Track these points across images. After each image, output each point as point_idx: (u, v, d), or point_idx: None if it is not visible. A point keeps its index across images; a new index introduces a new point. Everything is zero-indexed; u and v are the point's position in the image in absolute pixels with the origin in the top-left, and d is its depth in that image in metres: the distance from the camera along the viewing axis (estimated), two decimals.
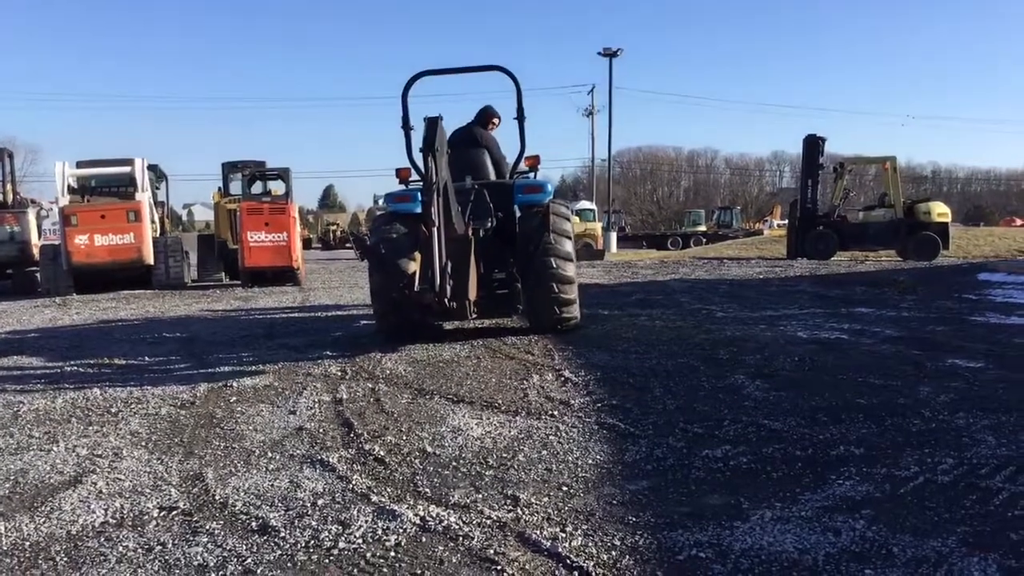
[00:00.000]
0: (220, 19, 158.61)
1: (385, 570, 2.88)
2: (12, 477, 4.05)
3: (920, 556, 2.85)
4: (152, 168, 18.31)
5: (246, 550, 3.06)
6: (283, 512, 3.43)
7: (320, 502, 3.53)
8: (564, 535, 3.11)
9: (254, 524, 3.31)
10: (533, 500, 3.48)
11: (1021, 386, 5.26)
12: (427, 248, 6.31)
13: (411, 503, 3.48)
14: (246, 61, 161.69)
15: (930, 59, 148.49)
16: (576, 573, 2.81)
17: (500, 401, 5.21)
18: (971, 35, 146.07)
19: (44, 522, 3.44)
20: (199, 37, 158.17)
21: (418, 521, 3.28)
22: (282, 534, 3.19)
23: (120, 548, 3.13)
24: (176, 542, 3.17)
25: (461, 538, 3.11)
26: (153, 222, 16.93)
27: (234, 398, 5.56)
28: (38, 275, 16.25)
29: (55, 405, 5.55)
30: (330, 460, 4.10)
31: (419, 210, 7.18)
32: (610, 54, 49.73)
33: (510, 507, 3.41)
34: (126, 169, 16.74)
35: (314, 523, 3.30)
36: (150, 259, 15.94)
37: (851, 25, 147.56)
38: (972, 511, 3.21)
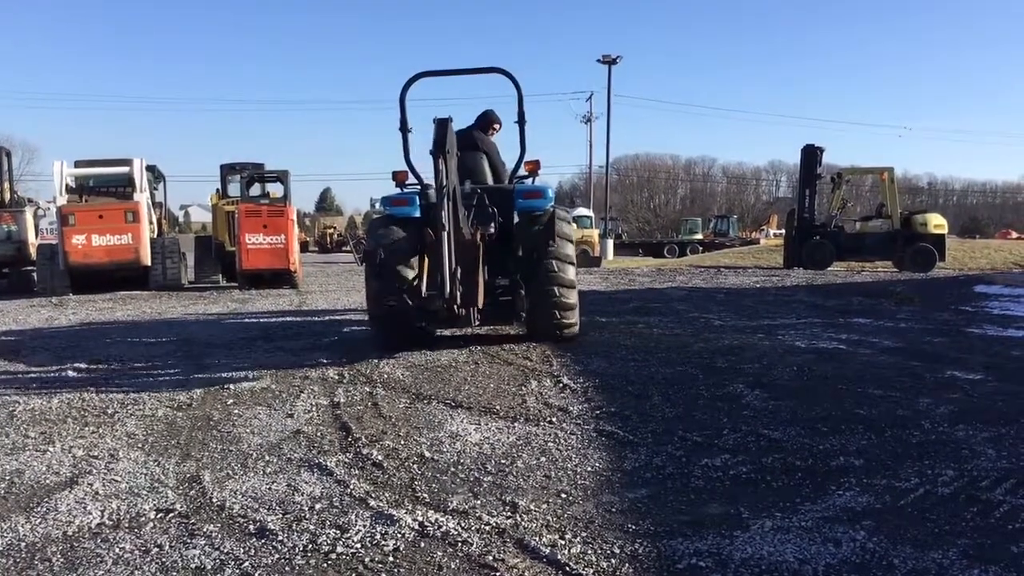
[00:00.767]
0: (220, 20, 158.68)
1: (383, 575, 2.86)
2: (8, 478, 4.03)
3: (921, 568, 2.84)
4: (150, 169, 18.27)
5: (243, 553, 3.05)
6: (281, 516, 3.41)
7: (318, 506, 3.52)
8: (563, 542, 3.10)
9: (251, 527, 3.30)
10: (532, 507, 3.47)
11: (1020, 398, 5.26)
12: (435, 253, 6.14)
13: (409, 508, 3.46)
14: (246, 63, 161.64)
15: (928, 71, 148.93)
16: None
17: (498, 407, 5.19)
18: (970, 48, 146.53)
19: (40, 523, 3.42)
20: (200, 38, 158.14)
21: (416, 526, 3.26)
22: (280, 538, 3.18)
23: (116, 550, 3.12)
24: (173, 544, 3.15)
25: (460, 544, 3.09)
26: (151, 223, 16.89)
27: (231, 401, 5.53)
28: (35, 274, 16.20)
29: (51, 405, 5.52)
30: (328, 464, 4.09)
31: (417, 214, 7.18)
32: (609, 61, 49.75)
33: (509, 513, 3.40)
34: (124, 169, 16.70)
35: (312, 527, 3.28)
36: (147, 260, 15.90)
37: (849, 36, 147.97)
38: (973, 523, 3.21)
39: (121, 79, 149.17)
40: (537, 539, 3.12)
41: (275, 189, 18.89)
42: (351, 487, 3.75)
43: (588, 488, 3.72)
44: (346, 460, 4.17)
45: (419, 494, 3.65)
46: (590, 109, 55.70)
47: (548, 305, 7.17)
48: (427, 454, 4.25)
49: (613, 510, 3.44)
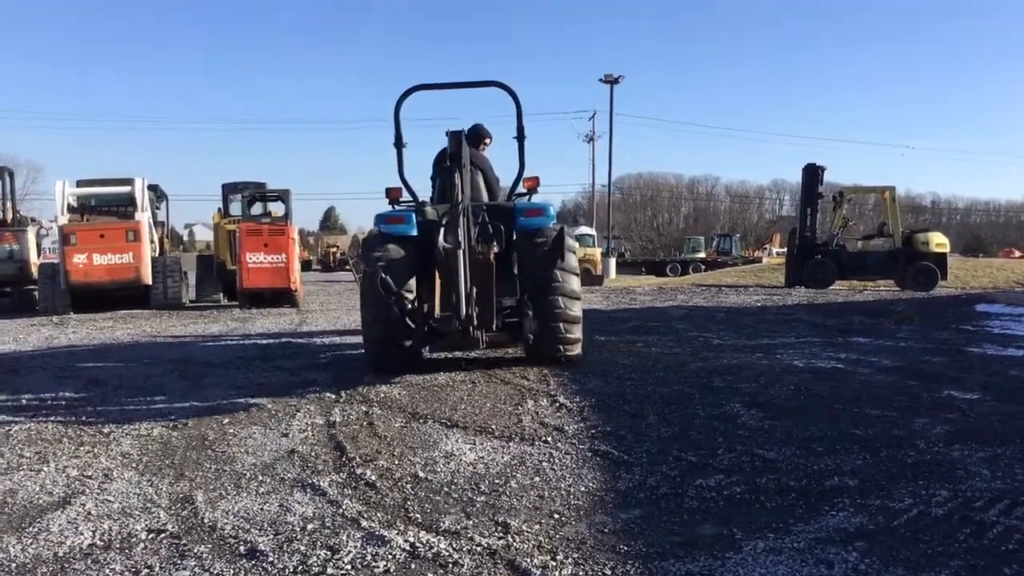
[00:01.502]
0: (223, 39, 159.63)
1: None
2: (1, 498, 4.02)
3: None
4: (152, 188, 18.34)
5: (233, 574, 3.04)
6: (272, 536, 3.40)
7: (310, 527, 3.51)
8: (555, 563, 3.08)
9: (242, 548, 3.29)
10: (524, 527, 3.46)
11: (1017, 418, 5.24)
12: (450, 271, 5.94)
13: (401, 529, 3.45)
14: (250, 81, 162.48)
15: (931, 90, 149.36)
16: None
17: (494, 426, 5.19)
18: (973, 67, 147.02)
19: (31, 543, 3.41)
20: (204, 56, 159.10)
21: (408, 547, 3.25)
22: (270, 559, 3.17)
23: (107, 571, 3.11)
24: (163, 565, 3.14)
25: (451, 565, 3.08)
26: (152, 242, 16.93)
27: (227, 420, 5.53)
28: (36, 293, 16.22)
29: (47, 425, 5.52)
30: (321, 484, 4.08)
31: (414, 232, 6.99)
32: (611, 81, 50.02)
33: (501, 534, 3.39)
34: (126, 189, 16.76)
35: (303, 548, 3.27)
36: (148, 279, 15.93)
37: (852, 56, 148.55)
38: (966, 544, 3.19)
39: (125, 98, 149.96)
40: (528, 560, 3.11)
41: (277, 208, 18.94)
42: (343, 507, 3.74)
43: (581, 508, 3.71)
44: (339, 480, 4.16)
45: (411, 514, 3.64)
46: (592, 128, 56.00)
47: (552, 328, 6.93)
48: (421, 474, 4.24)
49: (606, 531, 3.42)
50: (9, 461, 4.66)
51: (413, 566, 3.09)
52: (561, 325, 6.93)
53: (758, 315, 13.47)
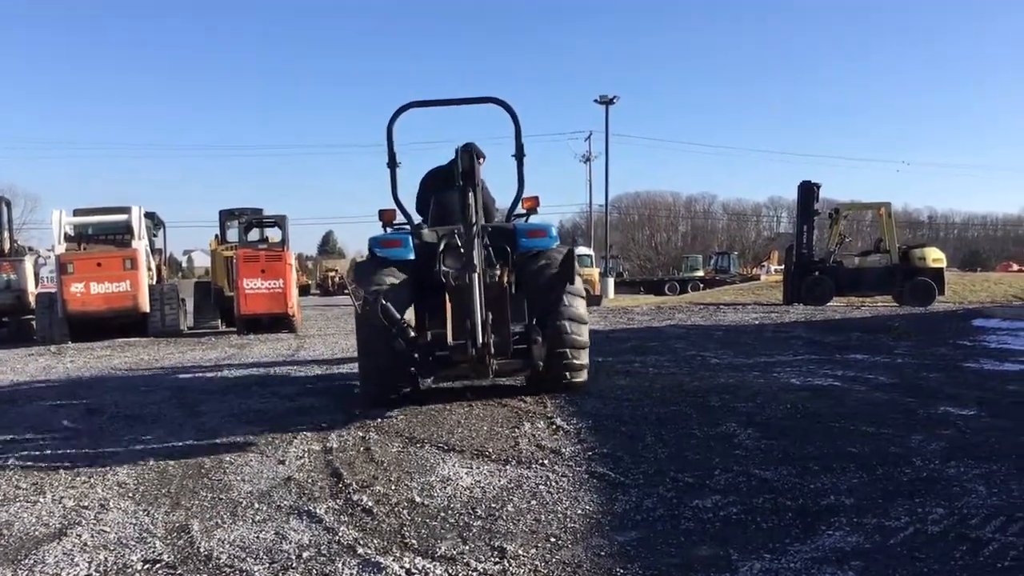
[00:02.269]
0: (219, 66, 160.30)
1: None
2: None
3: None
4: (149, 216, 18.39)
5: None
6: (267, 565, 3.40)
7: (305, 554, 3.50)
8: None
9: None
10: (520, 552, 3.45)
11: (1013, 434, 5.24)
12: (463, 297, 5.64)
13: (397, 555, 3.45)
14: (246, 108, 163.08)
15: (926, 105, 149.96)
16: None
17: (491, 450, 5.18)
18: (968, 81, 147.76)
19: (27, 575, 3.40)
20: (199, 85, 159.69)
21: (403, 574, 3.25)
22: None
23: None
24: None
25: None
26: (150, 269, 16.95)
27: (223, 448, 5.53)
28: (34, 323, 16.23)
29: (43, 455, 5.52)
30: (317, 511, 4.08)
31: (412, 256, 6.72)
32: (606, 101, 50.28)
33: (497, 559, 3.38)
34: (123, 217, 16.81)
35: None
36: (146, 307, 15.94)
37: (847, 72, 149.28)
38: (962, 562, 3.19)
39: (121, 126, 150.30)
40: None
41: (274, 234, 18.98)
42: (339, 534, 3.73)
43: (578, 531, 3.70)
44: (336, 507, 4.16)
45: (408, 540, 3.63)
46: (589, 148, 56.23)
47: (559, 355, 6.59)
48: (417, 499, 4.24)
49: (602, 554, 3.42)
50: (5, 492, 4.66)
51: None
52: (568, 351, 6.63)
53: (756, 333, 13.47)
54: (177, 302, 16.64)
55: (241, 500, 4.33)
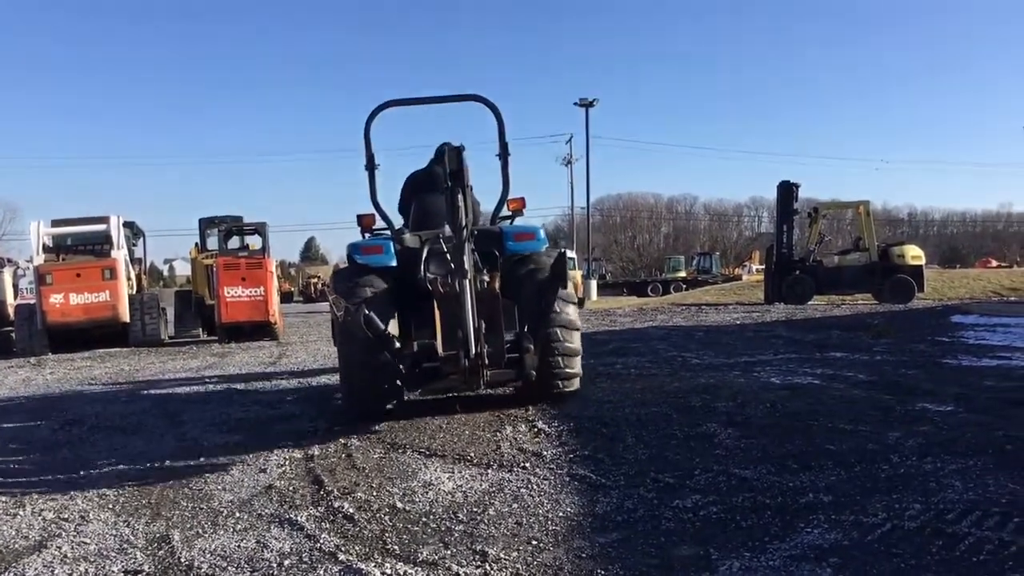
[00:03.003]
0: (197, 72, 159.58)
1: None
2: None
3: None
4: (128, 225, 18.30)
5: None
6: (248, 573, 3.40)
7: (287, 562, 3.50)
8: None
9: None
10: (502, 555, 3.46)
11: (990, 429, 5.29)
12: (454, 305, 5.31)
13: (379, 561, 3.45)
14: (225, 115, 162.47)
15: (903, 103, 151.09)
16: None
17: (472, 454, 5.19)
18: (945, 79, 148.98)
19: None
20: (178, 92, 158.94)
21: None
22: None
23: None
24: None
25: None
26: (129, 279, 16.88)
27: (204, 457, 5.51)
28: (13, 335, 16.11)
29: (23, 467, 5.49)
30: (298, 519, 4.07)
31: (394, 262, 6.38)
32: (586, 104, 50.34)
33: (478, 563, 3.39)
34: (101, 227, 16.72)
35: None
36: (126, 316, 15.86)
37: (825, 71, 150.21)
38: (938, 557, 3.22)
39: (100, 136, 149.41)
40: None
41: (254, 241, 18.93)
42: (321, 541, 3.73)
43: (559, 534, 3.72)
44: (317, 514, 4.16)
45: (389, 546, 3.64)
46: (570, 151, 56.20)
47: (550, 363, 6.28)
48: (399, 504, 4.24)
49: (583, 556, 3.44)
50: None
51: None
52: (561, 359, 6.34)
53: (737, 333, 13.54)
54: (158, 311, 16.57)
55: (222, 509, 4.32)
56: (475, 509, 4.12)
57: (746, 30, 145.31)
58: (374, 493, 4.46)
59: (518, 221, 7.27)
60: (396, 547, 3.62)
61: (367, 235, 7.10)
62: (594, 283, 41.46)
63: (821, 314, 17.71)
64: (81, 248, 17.78)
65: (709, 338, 12.64)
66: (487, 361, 5.32)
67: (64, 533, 4.07)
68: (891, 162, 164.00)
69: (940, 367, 8.47)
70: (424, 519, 4.00)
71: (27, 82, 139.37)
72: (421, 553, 3.53)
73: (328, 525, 3.97)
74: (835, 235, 50.80)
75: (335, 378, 9.02)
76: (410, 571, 3.32)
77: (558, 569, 3.30)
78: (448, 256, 5.74)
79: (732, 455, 4.89)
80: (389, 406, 6.19)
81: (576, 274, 32.40)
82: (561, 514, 3.99)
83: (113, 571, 3.52)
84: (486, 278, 5.72)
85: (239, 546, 3.74)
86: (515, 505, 4.15)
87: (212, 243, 19.26)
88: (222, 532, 3.95)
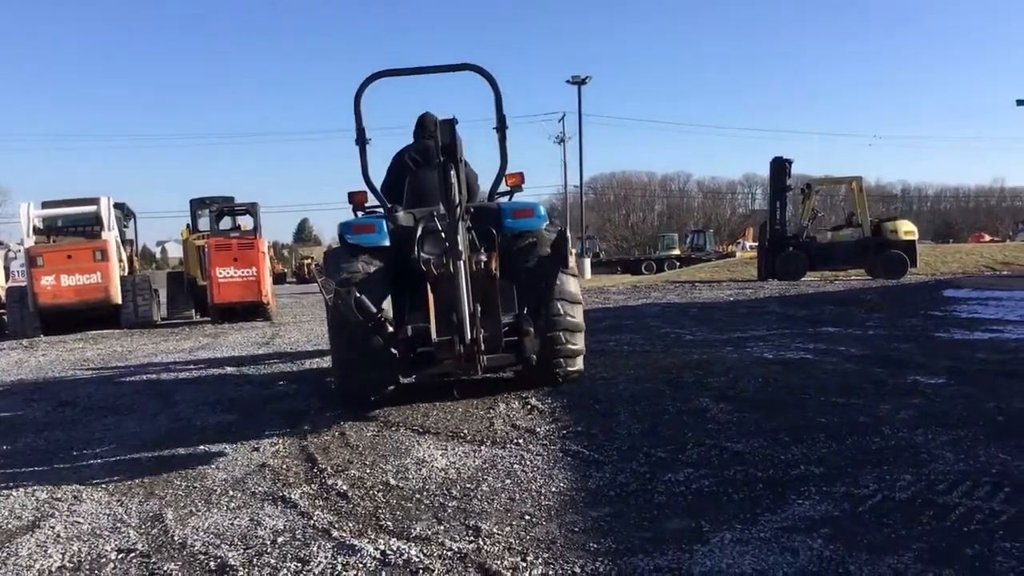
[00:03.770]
0: (188, 53, 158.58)
1: None
2: None
3: (876, 573, 2.87)
4: (119, 206, 18.21)
5: None
6: (242, 551, 3.40)
7: (280, 539, 3.50)
8: (525, 564, 3.10)
9: (212, 564, 3.28)
10: (495, 530, 3.47)
11: (980, 400, 5.32)
12: (448, 288, 5.08)
13: (372, 537, 3.46)
14: (217, 95, 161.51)
15: (897, 78, 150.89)
16: None
17: (466, 431, 5.20)
18: (939, 54, 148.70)
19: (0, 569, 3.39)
20: (168, 72, 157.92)
21: (378, 555, 3.26)
22: (240, 573, 3.17)
23: None
24: None
25: (421, 571, 3.09)
26: (121, 261, 16.79)
27: (197, 436, 5.51)
28: (5, 317, 16.07)
29: (16, 448, 5.48)
30: (292, 496, 4.08)
31: (387, 242, 6.11)
32: (579, 82, 50.15)
33: (471, 538, 3.40)
34: (92, 208, 16.63)
35: (273, 561, 3.27)
36: (118, 298, 15.80)
37: (817, 46, 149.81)
38: (929, 527, 3.24)
39: (90, 116, 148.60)
40: (499, 563, 3.13)
41: (246, 222, 18.85)
42: (314, 519, 3.74)
43: (552, 509, 3.73)
44: (310, 492, 4.16)
45: (383, 522, 3.65)
46: (563, 129, 56.03)
47: (551, 338, 6.04)
48: (392, 481, 4.25)
49: (576, 530, 3.45)
50: None
51: (384, 573, 3.09)
52: (562, 334, 6.08)
53: (730, 309, 13.56)
54: (150, 293, 16.52)
55: (215, 488, 4.32)
56: (468, 485, 4.12)
57: (741, 8, 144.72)
58: (367, 470, 4.47)
59: (517, 197, 6.98)
60: (389, 523, 3.63)
61: (359, 213, 6.84)
62: (588, 261, 41.50)
63: (814, 290, 17.73)
64: (72, 230, 17.70)
65: (702, 314, 12.66)
66: (483, 346, 5.06)
67: (57, 513, 4.07)
68: (884, 137, 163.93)
69: (932, 341, 8.50)
70: (417, 496, 4.01)
71: (15, 63, 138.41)
72: (414, 529, 3.53)
73: (321, 502, 3.98)
74: (828, 211, 50.88)
75: (328, 358, 9.00)
76: (403, 547, 3.33)
77: (551, 543, 3.31)
78: (443, 235, 5.49)
79: (724, 429, 4.90)
80: (383, 391, 6.02)
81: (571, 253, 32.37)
82: (554, 489, 3.99)
83: (107, 550, 3.52)
84: (483, 258, 5.37)
85: (232, 524, 3.74)
86: (508, 481, 4.16)
87: (204, 224, 19.17)
88: (215, 510, 3.95)
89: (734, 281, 23.71)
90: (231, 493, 4.21)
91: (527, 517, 3.63)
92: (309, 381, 7.58)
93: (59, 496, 4.35)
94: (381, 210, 6.73)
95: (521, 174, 6.83)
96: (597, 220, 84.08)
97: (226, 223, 18.83)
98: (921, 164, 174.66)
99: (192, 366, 9.36)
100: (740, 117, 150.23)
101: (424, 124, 7.03)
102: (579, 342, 6.25)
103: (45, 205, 16.91)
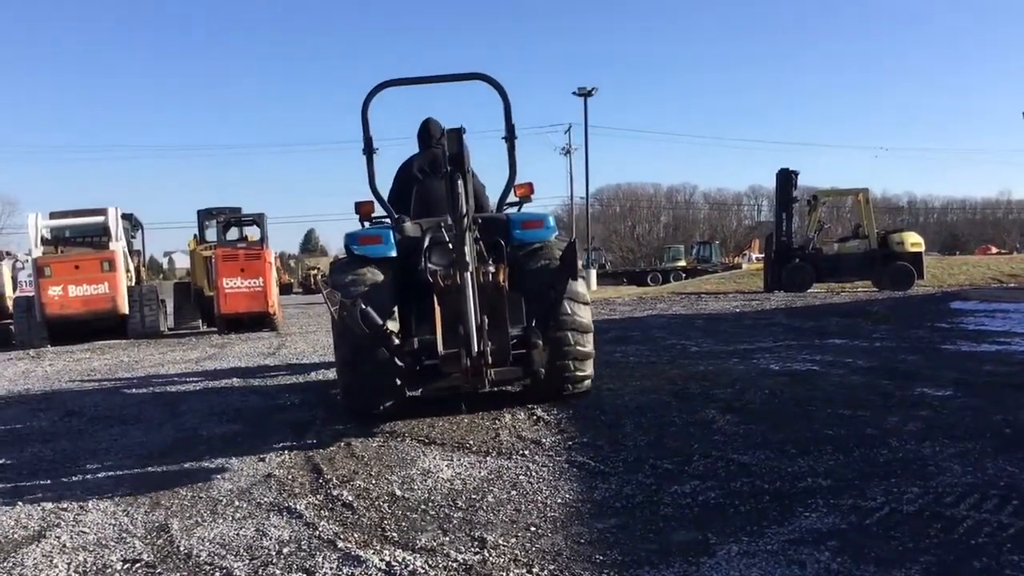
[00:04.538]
0: (198, 65, 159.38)
1: None
2: None
3: None
4: (127, 217, 18.27)
5: None
6: (248, 561, 3.40)
7: (286, 550, 3.50)
8: None
9: (218, 575, 3.28)
10: (501, 541, 3.46)
11: (988, 414, 5.30)
12: (455, 300, 4.96)
13: (377, 548, 3.45)
14: (226, 106, 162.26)
15: (903, 90, 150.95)
16: None
17: (471, 442, 5.19)
18: (944, 66, 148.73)
19: None
20: (176, 85, 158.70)
21: (384, 566, 3.25)
22: None
23: None
24: None
25: None
26: (128, 271, 16.84)
27: (203, 446, 5.52)
28: (12, 327, 16.10)
29: (22, 457, 5.49)
30: (297, 507, 4.07)
31: (394, 253, 6.07)
32: (584, 93, 50.13)
33: (477, 549, 3.39)
34: (99, 219, 16.69)
35: (278, 572, 3.27)
36: (125, 308, 15.85)
37: (825, 59, 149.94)
38: (936, 540, 3.22)
39: (98, 128, 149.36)
40: (505, 574, 3.12)
41: (252, 232, 18.89)
42: (320, 529, 3.73)
43: (557, 520, 3.72)
44: (316, 502, 4.16)
45: (388, 533, 3.64)
46: (568, 141, 56.03)
47: (562, 367, 5.95)
48: (398, 492, 4.24)
49: (582, 541, 3.44)
50: None
51: None
52: (571, 363, 6.00)
53: (736, 321, 13.54)
54: (157, 303, 16.55)
55: (221, 498, 4.32)
56: (474, 496, 4.12)
57: (748, 20, 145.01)
58: (373, 481, 4.46)
59: (526, 208, 6.86)
60: (395, 534, 3.62)
61: (366, 224, 6.81)
62: (594, 273, 41.51)
63: (821, 302, 17.70)
64: (79, 240, 17.75)
65: (708, 326, 12.64)
66: (490, 360, 4.92)
67: (63, 523, 4.07)
68: (890, 149, 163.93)
69: (939, 353, 8.47)
70: (423, 506, 4.00)
71: (23, 74, 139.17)
72: (420, 540, 3.53)
73: (327, 513, 3.97)
74: (834, 223, 50.73)
75: (334, 369, 9.00)
76: (409, 558, 3.32)
77: (557, 555, 3.30)
78: (450, 246, 5.43)
79: (731, 441, 4.89)
80: (388, 404, 5.95)
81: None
82: (560, 501, 3.99)
83: (112, 560, 3.52)
84: (491, 269, 5.24)
85: (238, 534, 3.74)
86: (514, 492, 4.15)
87: (211, 235, 19.23)
88: (221, 521, 3.95)
89: (740, 293, 23.67)
90: (237, 503, 4.21)
91: (533, 528, 3.62)
92: (315, 392, 7.58)
93: (65, 506, 4.35)
94: (388, 220, 6.67)
95: (530, 184, 6.74)
96: (603, 231, 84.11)
97: (233, 234, 18.86)
98: (927, 176, 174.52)
99: (198, 376, 9.37)
100: (746, 129, 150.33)
101: (429, 132, 6.98)
102: (588, 368, 6.15)
103: (53, 216, 16.98)
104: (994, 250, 61.30)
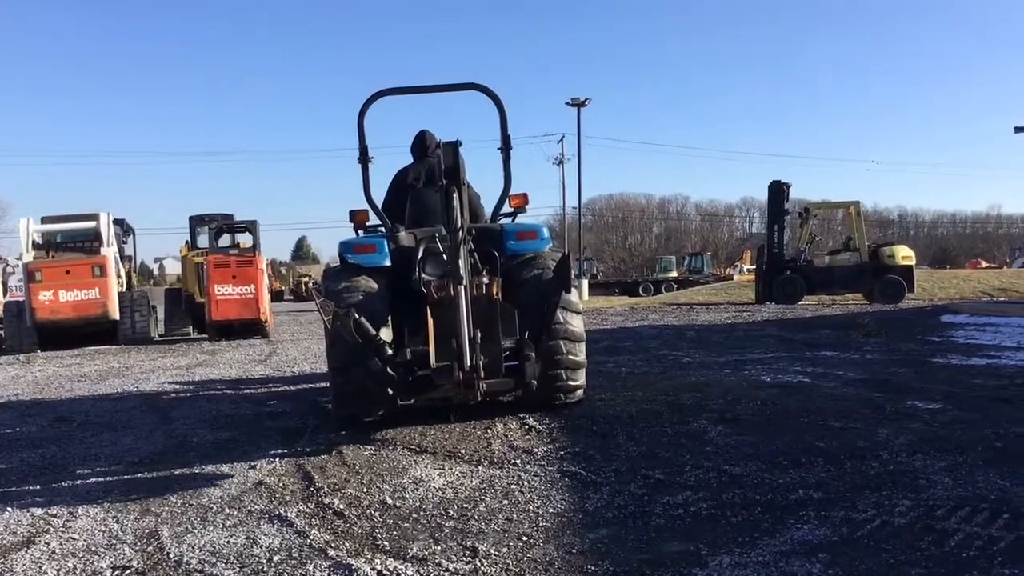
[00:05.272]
0: (188, 72, 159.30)
1: None
2: None
3: None
4: (118, 222, 18.23)
5: None
6: (238, 569, 3.38)
7: (276, 558, 3.49)
8: None
9: None
10: (492, 551, 3.46)
11: (978, 427, 5.31)
12: (447, 312, 4.97)
13: (368, 557, 3.44)
14: (218, 113, 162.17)
15: (895, 104, 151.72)
16: None
17: (463, 451, 5.18)
18: (937, 80, 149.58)
19: None
20: (169, 90, 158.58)
21: (374, 575, 3.24)
22: None
23: None
24: None
25: None
26: (119, 276, 16.80)
27: (193, 453, 5.50)
28: (2, 332, 16.04)
29: (11, 464, 5.46)
30: (288, 515, 4.06)
31: (388, 262, 6.08)
32: (578, 104, 50.24)
33: (468, 559, 3.39)
34: (91, 224, 16.66)
35: None
36: (116, 314, 15.80)
37: (817, 72, 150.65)
38: (928, 552, 3.23)
39: (91, 133, 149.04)
40: None
41: (244, 239, 18.85)
42: (311, 537, 3.72)
43: (549, 530, 3.71)
44: (307, 510, 4.14)
45: (379, 542, 3.63)
46: (561, 151, 56.13)
47: (554, 377, 5.92)
48: (389, 501, 4.23)
49: (573, 551, 3.43)
50: None
51: None
52: (563, 372, 5.98)
53: (728, 332, 13.56)
54: (148, 309, 16.50)
55: (212, 505, 4.31)
56: (465, 505, 4.11)
57: (741, 32, 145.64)
58: (364, 489, 4.45)
59: (520, 218, 6.86)
60: (386, 543, 3.61)
61: (360, 232, 6.78)
62: (585, 283, 41.49)
63: (812, 314, 17.74)
64: (71, 245, 17.70)
65: (700, 337, 12.66)
66: (483, 372, 4.94)
67: (52, 529, 4.05)
68: (882, 163, 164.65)
69: (930, 366, 8.50)
70: (414, 515, 3.99)
71: (15, 79, 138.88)
72: (411, 549, 3.52)
73: (318, 521, 3.96)
74: (826, 235, 50.86)
75: (325, 377, 8.97)
76: (400, 567, 3.31)
77: (548, 565, 3.29)
78: (444, 257, 5.46)
79: (722, 452, 4.89)
80: (379, 414, 5.93)
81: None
82: (551, 510, 3.98)
83: (102, 567, 3.50)
84: (485, 280, 5.24)
85: (228, 542, 3.72)
86: (505, 501, 4.15)
87: (203, 241, 19.20)
88: (211, 528, 3.93)
89: (731, 304, 23.70)
90: (227, 511, 4.19)
91: (524, 538, 3.61)
92: (306, 399, 7.56)
93: (54, 512, 4.33)
94: (382, 229, 6.68)
95: (524, 195, 6.74)
96: (595, 242, 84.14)
97: (225, 240, 18.83)
98: (918, 190, 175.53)
99: (189, 383, 9.34)
100: (738, 141, 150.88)
101: (424, 143, 6.97)
102: (580, 378, 6.14)
103: (44, 220, 16.93)
104: (984, 264, 61.41)
